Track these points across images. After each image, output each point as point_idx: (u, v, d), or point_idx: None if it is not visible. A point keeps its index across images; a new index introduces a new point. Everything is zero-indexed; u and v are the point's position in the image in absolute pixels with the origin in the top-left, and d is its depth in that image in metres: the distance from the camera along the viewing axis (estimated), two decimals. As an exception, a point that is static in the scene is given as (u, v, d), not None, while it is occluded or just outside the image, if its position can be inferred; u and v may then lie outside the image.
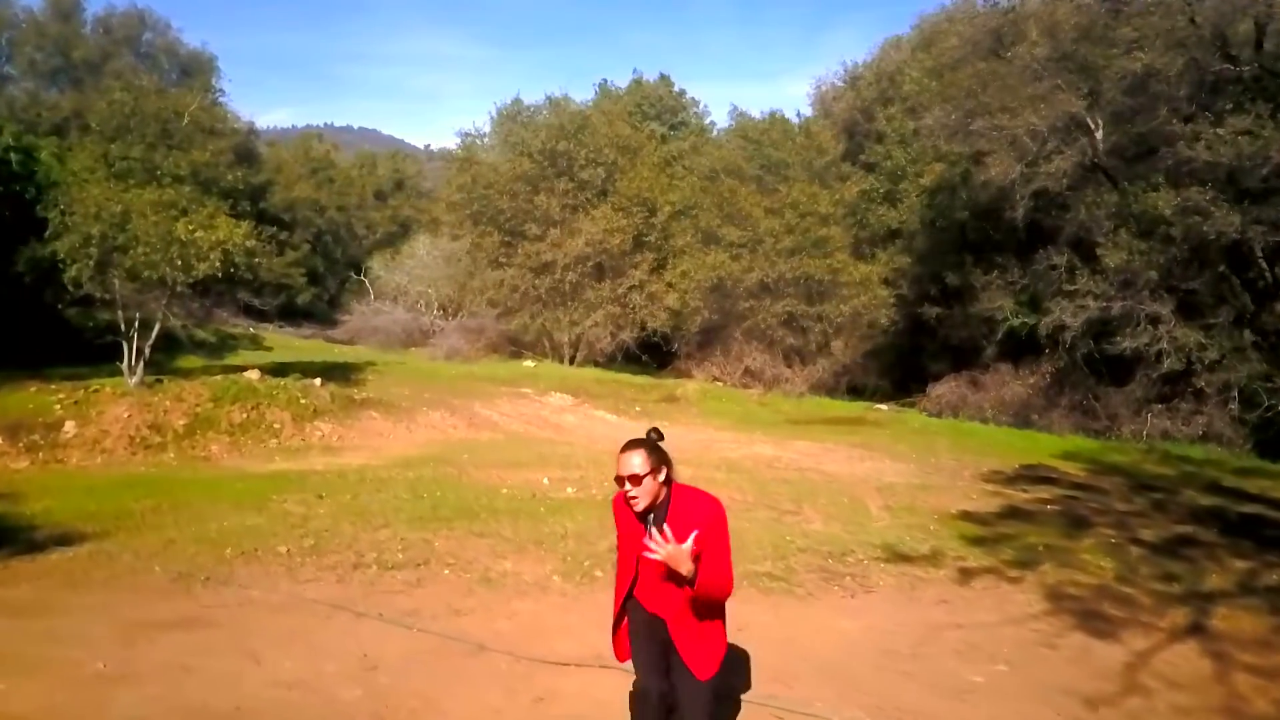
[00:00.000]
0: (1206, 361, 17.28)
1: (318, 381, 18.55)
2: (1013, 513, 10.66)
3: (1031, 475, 13.52)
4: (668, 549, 3.36)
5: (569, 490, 11.57)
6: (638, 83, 41.31)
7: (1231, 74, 16.64)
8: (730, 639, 6.39)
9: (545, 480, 12.20)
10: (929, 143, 26.83)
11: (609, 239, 29.44)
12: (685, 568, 3.40)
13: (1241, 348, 17.46)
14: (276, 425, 15.77)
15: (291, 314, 45.58)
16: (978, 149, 22.47)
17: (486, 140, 33.63)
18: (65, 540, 8.12)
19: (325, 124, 71.14)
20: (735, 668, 5.65)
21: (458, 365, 29.05)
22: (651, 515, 3.50)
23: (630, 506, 3.51)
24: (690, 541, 3.40)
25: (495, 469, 13.16)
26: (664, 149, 35.84)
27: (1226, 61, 16.02)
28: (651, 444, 3.52)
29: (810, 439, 18.22)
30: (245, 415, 15.62)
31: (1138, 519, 10.41)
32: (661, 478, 3.48)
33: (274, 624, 6.26)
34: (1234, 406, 17.58)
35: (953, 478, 13.42)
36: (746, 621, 6.53)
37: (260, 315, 36.85)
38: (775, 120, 32.86)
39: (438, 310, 41.52)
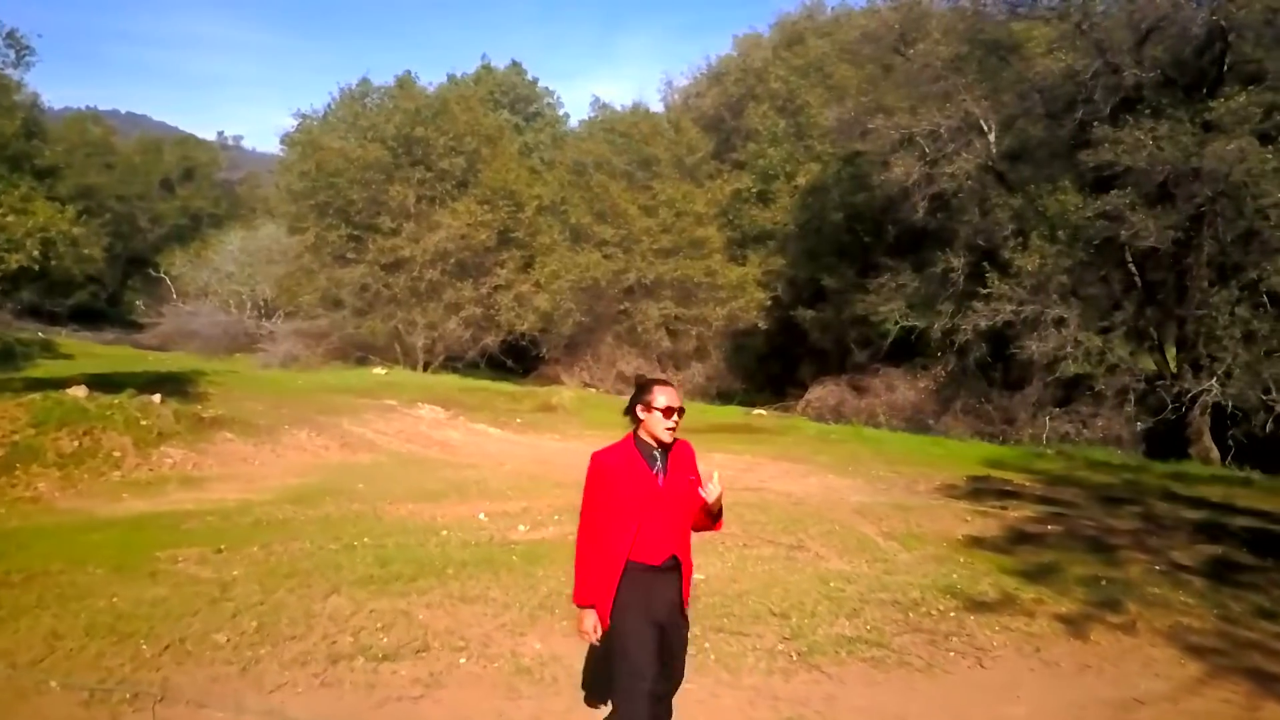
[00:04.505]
0: (1106, 364, 17.45)
1: (157, 398, 15.67)
2: (1021, 537, 9.81)
3: (988, 489, 12.87)
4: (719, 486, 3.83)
5: (521, 528, 9.83)
6: (487, 69, 38.54)
7: (1133, 80, 16.81)
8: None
9: (482, 516, 10.38)
10: (804, 143, 26.43)
11: (472, 234, 27.11)
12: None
13: (1137, 351, 17.77)
14: (116, 453, 13.02)
15: (82, 316, 40.24)
16: (860, 150, 22.16)
17: (327, 123, 30.39)
18: (-113, 645, 5.66)
19: (87, 107, 63.28)
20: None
21: (301, 374, 26.09)
22: (659, 451, 3.83)
23: (664, 438, 3.82)
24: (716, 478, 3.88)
25: (409, 503, 11.15)
26: (520, 140, 33.79)
27: (1134, 67, 16.13)
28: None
29: (722, 450, 17.02)
30: (77, 443, 12.80)
31: (1151, 538, 9.80)
32: None
33: (270, 776, 4.32)
34: (1130, 409, 17.88)
35: (911, 494, 12.60)
36: (900, 712, 5.15)
37: (50, 318, 32.05)
38: (640, 114, 31.47)
39: (251, 310, 37.97)
